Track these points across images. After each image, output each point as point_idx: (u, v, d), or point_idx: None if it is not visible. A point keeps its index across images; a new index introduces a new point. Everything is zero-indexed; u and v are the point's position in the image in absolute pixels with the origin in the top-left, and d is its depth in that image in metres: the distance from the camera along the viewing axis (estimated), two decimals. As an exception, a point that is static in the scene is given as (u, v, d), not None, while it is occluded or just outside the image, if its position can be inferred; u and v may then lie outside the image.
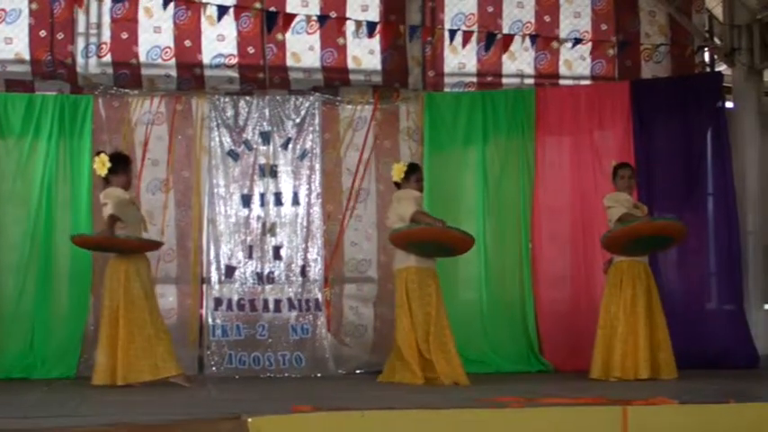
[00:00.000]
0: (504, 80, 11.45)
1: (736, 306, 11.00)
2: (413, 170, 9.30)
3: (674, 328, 9.54)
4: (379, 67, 11.15)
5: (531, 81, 11.50)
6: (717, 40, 11.91)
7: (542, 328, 10.77)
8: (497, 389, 8.00)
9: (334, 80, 11.04)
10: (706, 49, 11.94)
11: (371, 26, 10.84)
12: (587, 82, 11.60)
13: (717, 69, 11.92)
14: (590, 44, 11.54)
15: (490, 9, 11.41)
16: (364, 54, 11.12)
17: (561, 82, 11.56)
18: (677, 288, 10.99)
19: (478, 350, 10.45)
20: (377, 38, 11.05)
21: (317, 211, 10.60)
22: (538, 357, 10.64)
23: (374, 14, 11.10)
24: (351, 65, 11.10)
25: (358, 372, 10.37)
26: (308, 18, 10.92)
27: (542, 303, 10.85)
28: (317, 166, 10.63)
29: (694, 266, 11.10)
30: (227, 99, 10.63)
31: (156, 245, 9.29)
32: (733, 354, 10.63)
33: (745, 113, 11.57)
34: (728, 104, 11.60)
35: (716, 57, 11.94)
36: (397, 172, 9.32)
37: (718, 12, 11.99)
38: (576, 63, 11.59)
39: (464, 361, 9.30)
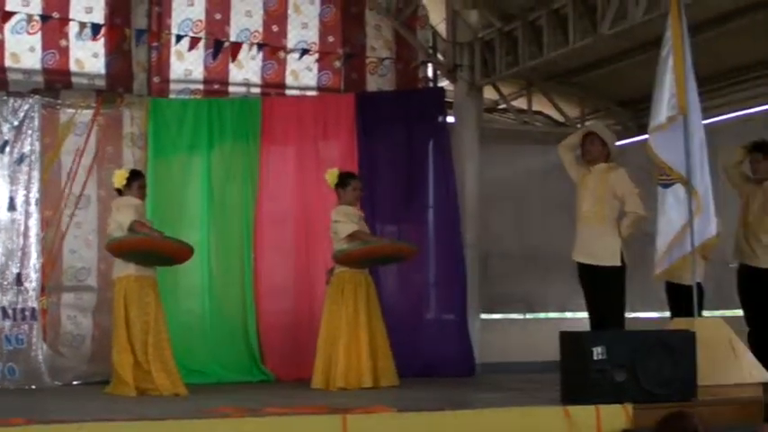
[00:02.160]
0: (231, 88, 11.61)
1: (457, 316, 11.51)
2: (135, 177, 9.35)
3: (395, 337, 9.92)
4: (103, 70, 11.04)
5: (257, 90, 11.70)
6: (440, 57, 12.47)
7: (264, 339, 10.99)
8: (219, 399, 8.12)
9: (56, 83, 10.90)
10: (429, 64, 12.47)
11: (96, 28, 10.78)
12: (313, 93, 11.88)
13: (440, 85, 12.48)
14: (317, 55, 11.81)
15: (218, 16, 11.48)
16: (88, 57, 11.00)
17: (288, 92, 11.80)
18: (398, 298, 11.44)
19: (200, 360, 10.56)
20: (101, 41, 10.97)
21: (35, 217, 10.46)
22: (260, 367, 10.86)
23: (99, 16, 10.96)
24: (73, 68, 10.95)
25: (75, 383, 10.32)
26: (30, 17, 10.73)
27: (264, 313, 11.08)
28: (36, 172, 10.50)
29: (415, 277, 11.62)
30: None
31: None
32: (452, 362, 11.15)
33: (466, 128, 12.12)
34: (450, 119, 12.17)
35: (439, 72, 12.48)
36: (119, 178, 9.33)
37: (442, 29, 12.54)
38: (302, 74, 11.84)
39: (185, 372, 9.50)
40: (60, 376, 10.35)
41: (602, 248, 8.82)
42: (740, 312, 9.38)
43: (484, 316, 12.29)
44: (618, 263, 8.78)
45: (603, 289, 8.80)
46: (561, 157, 9.25)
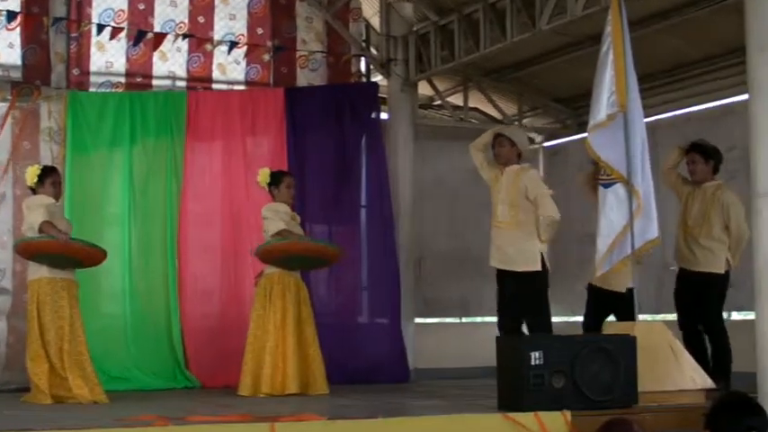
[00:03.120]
0: (155, 81, 11.54)
1: (391, 320, 11.55)
2: (47, 174, 9.18)
3: (326, 342, 9.90)
4: (19, 62, 10.90)
5: (183, 84, 11.63)
6: (373, 50, 12.50)
7: (189, 343, 10.92)
8: (142, 407, 8.04)
9: (-33, 74, 10.76)
10: (362, 58, 12.47)
11: (11, 16, 10.67)
12: (241, 87, 11.85)
13: (373, 80, 12.48)
14: (245, 48, 11.75)
15: (141, 6, 11.38)
16: (3, 48, 10.84)
17: (214, 86, 11.76)
18: (329, 301, 11.46)
19: (121, 366, 10.50)
20: (17, 30, 10.84)
21: (-53, 215, 10.32)
22: (184, 373, 10.80)
23: (15, 4, 10.80)
24: (-14, 59, 10.83)
25: (-11, 390, 10.17)
26: (-63, 7, 10.60)
27: (189, 317, 11.01)
28: (-54, 168, 10.36)
29: (347, 279, 11.61)
30: None
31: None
32: (386, 368, 11.18)
33: (400, 125, 12.15)
34: (384, 115, 12.18)
35: (372, 67, 12.51)
36: (30, 176, 9.14)
37: (376, 22, 12.56)
38: (230, 67, 11.80)
39: (106, 378, 9.44)
40: (-27, 383, 10.18)
41: (517, 253, 8.84)
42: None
43: (418, 320, 12.32)
44: (537, 267, 8.79)
45: (523, 294, 8.82)
46: (473, 158, 9.27)
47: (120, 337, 10.80)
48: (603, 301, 9.25)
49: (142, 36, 11.19)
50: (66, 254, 8.87)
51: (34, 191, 9.16)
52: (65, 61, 11.17)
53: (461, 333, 13.13)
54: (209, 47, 11.68)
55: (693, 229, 9.02)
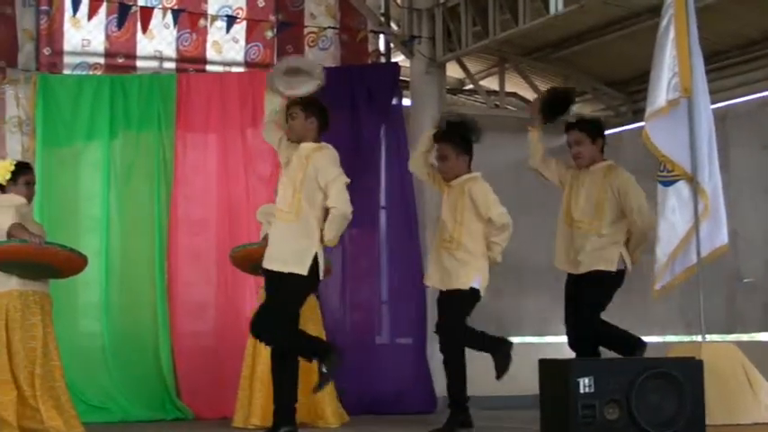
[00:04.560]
0: (139, 63, 11.61)
1: (414, 341, 11.56)
2: (21, 171, 9.08)
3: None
4: (-20, 40, 10.98)
5: (171, 65, 11.68)
6: (394, 26, 12.48)
7: (180, 366, 10.93)
8: None
9: (-77, 55, 10.81)
10: (381, 35, 12.45)
11: (-29, -12, 10.75)
12: (240, 69, 11.88)
13: (393, 60, 12.46)
14: (244, 24, 11.74)
15: None
16: (-38, 24, 10.92)
17: (209, 68, 11.80)
18: (343, 318, 11.43)
19: (102, 394, 10.52)
20: (-22, 4, 10.91)
21: None
22: (174, 402, 10.78)
23: None
24: (-55, 37, 10.87)
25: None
26: None
27: (180, 336, 11.02)
28: None
29: (364, 293, 11.61)
30: None
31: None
32: (409, 396, 11.21)
33: (425, 112, 12.00)
34: (406, 101, 12.15)
35: (392, 45, 12.49)
36: (2, 172, 9.21)
37: (397, -7, 12.53)
38: (226, 46, 11.85)
39: (83, 408, 9.48)
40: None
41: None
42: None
43: (446, 340, 12.20)
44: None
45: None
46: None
47: (100, 359, 10.81)
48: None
49: (126, 11, 11.11)
50: (40, 260, 8.72)
51: (3, 189, 9.12)
52: (34, 39, 11.24)
53: (497, 355, 13.04)
54: (202, 22, 11.68)
55: (580, 223, 8.77)
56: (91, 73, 11.38)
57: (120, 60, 11.55)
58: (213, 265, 11.19)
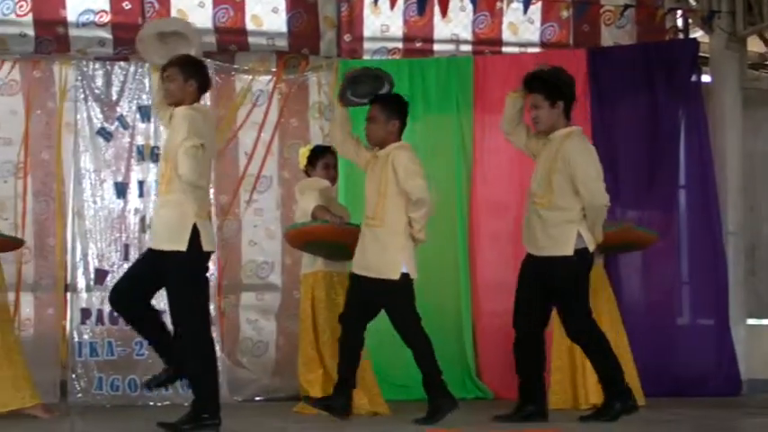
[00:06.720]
0: (436, 46, 11.69)
1: (717, 322, 11.38)
2: (319, 154, 9.41)
3: (636, 347, 9.85)
4: (284, 28, 11.22)
5: (468, 48, 11.74)
6: (692, 2, 12.24)
7: (481, 346, 11.04)
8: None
9: (229, 44, 11.12)
10: (679, 11, 12.26)
11: (270, -26, 11.00)
12: (536, 49, 11.85)
13: (691, 36, 12.25)
14: (539, 4, 11.71)
15: None
16: (266, 13, 11.18)
17: (504, 49, 11.80)
18: (641, 298, 11.36)
19: (404, 372, 10.48)
20: (282, -8, 11.12)
21: (206, 202, 10.71)
22: (474, 381, 10.90)
23: None
24: (250, 26, 11.16)
25: (258, 399, 10.49)
26: (196, -35, 10.97)
27: (483, 316, 11.11)
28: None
29: (663, 273, 11.49)
30: (97, 65, 10.67)
31: (16, 243, 9.40)
32: (711, 379, 11.09)
33: (725, 89, 11.89)
34: (705, 78, 11.95)
35: (690, 21, 12.29)
36: (301, 157, 9.44)
37: (690, -33, 12.30)
38: (522, 27, 11.83)
39: (385, 386, 9.59)
40: (240, 391, 10.51)
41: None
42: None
43: (751, 321, 12.03)
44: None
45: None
46: None
47: (398, 339, 10.87)
48: None
49: (426, -3, 11.15)
50: (340, 240, 8.87)
51: (307, 173, 9.39)
52: (335, 26, 11.44)
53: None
54: (498, 5, 11.70)
55: (535, 197, 8.27)
56: (390, 57, 11.53)
57: (418, 44, 11.66)
58: (510, 245, 11.01)
